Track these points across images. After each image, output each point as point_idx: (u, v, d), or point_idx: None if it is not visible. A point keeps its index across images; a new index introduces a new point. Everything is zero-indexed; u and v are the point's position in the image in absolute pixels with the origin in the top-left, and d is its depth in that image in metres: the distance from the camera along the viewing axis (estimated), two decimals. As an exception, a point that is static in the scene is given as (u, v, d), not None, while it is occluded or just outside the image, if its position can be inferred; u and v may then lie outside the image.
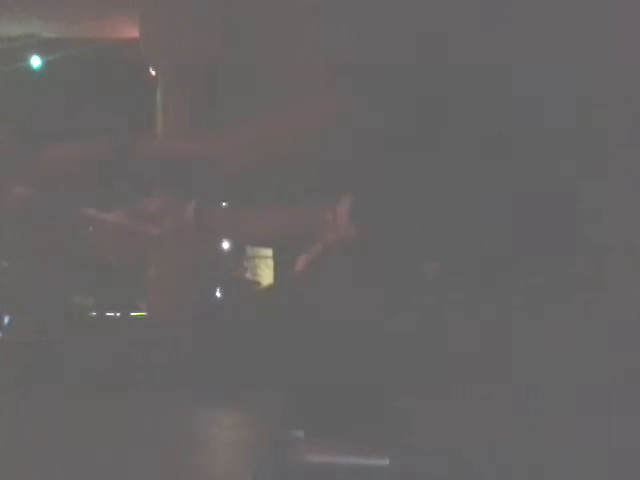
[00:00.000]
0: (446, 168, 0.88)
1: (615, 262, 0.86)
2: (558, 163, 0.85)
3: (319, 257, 1.01)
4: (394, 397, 0.83)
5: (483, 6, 0.87)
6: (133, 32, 6.24)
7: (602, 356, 0.81)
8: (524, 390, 0.80)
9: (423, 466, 0.80)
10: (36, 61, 7.13)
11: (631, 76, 0.86)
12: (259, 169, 0.94)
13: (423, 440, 0.81)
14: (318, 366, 0.87)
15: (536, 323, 0.82)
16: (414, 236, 0.90)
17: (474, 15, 0.86)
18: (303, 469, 0.79)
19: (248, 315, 0.93)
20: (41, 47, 6.96)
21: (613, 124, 0.86)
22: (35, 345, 0.95)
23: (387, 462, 0.80)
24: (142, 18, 6.08)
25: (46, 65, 7.17)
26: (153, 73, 6.33)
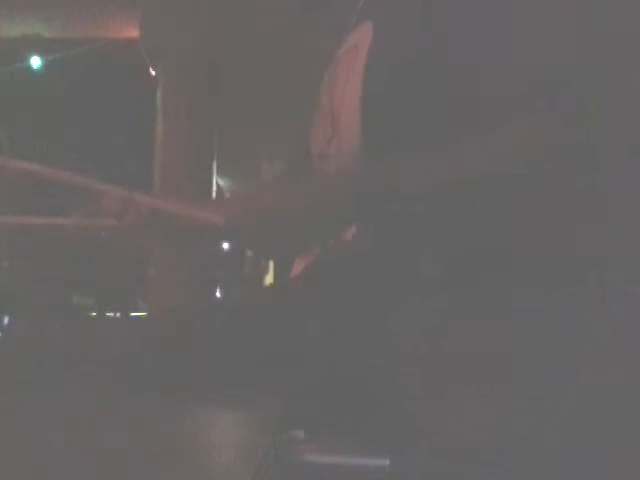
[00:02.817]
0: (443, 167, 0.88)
1: (615, 262, 0.86)
2: (557, 162, 0.85)
3: (318, 259, 1.01)
4: (394, 397, 0.83)
5: None
6: (133, 32, 6.24)
7: (602, 356, 0.81)
8: (524, 390, 0.80)
9: (423, 466, 0.80)
10: (36, 61, 7.14)
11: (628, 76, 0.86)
12: None
13: (423, 440, 0.81)
14: (318, 366, 0.87)
15: (536, 323, 0.82)
16: (413, 238, 0.90)
17: None
18: (303, 469, 0.79)
19: (248, 315, 0.93)
20: (41, 47, 6.97)
21: (612, 122, 0.86)
22: (35, 345, 0.95)
23: (387, 462, 0.80)
24: (142, 18, 6.09)
25: (46, 65, 7.17)
26: (153, 73, 6.34)
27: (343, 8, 1.09)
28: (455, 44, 0.86)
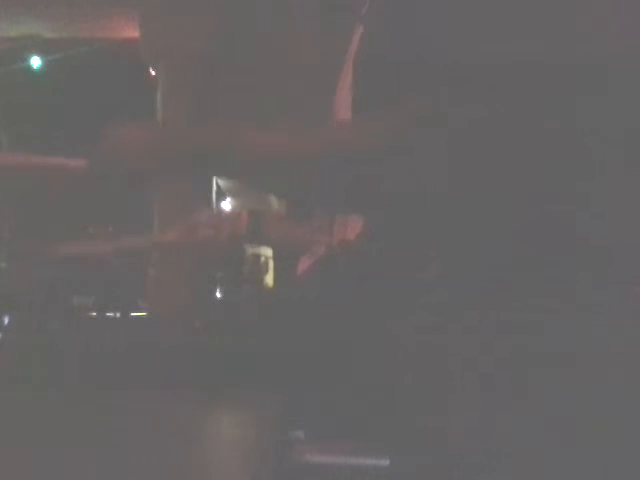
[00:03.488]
0: (445, 171, 0.88)
1: (615, 262, 0.86)
2: (557, 163, 0.85)
3: (321, 259, 1.01)
4: (394, 397, 0.83)
5: None
6: (133, 32, 6.24)
7: (602, 356, 0.81)
8: (524, 391, 0.80)
9: (423, 466, 0.80)
10: (36, 61, 7.14)
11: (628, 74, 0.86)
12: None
13: (423, 440, 0.81)
14: (318, 366, 0.87)
15: (537, 323, 0.82)
16: (415, 240, 0.90)
17: None
18: (303, 469, 0.79)
19: (248, 315, 0.93)
20: (41, 47, 6.97)
21: (611, 122, 0.86)
22: (35, 345, 0.95)
23: (387, 462, 0.80)
24: (142, 18, 6.08)
25: (46, 65, 7.17)
26: (153, 73, 6.33)
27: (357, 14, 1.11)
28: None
